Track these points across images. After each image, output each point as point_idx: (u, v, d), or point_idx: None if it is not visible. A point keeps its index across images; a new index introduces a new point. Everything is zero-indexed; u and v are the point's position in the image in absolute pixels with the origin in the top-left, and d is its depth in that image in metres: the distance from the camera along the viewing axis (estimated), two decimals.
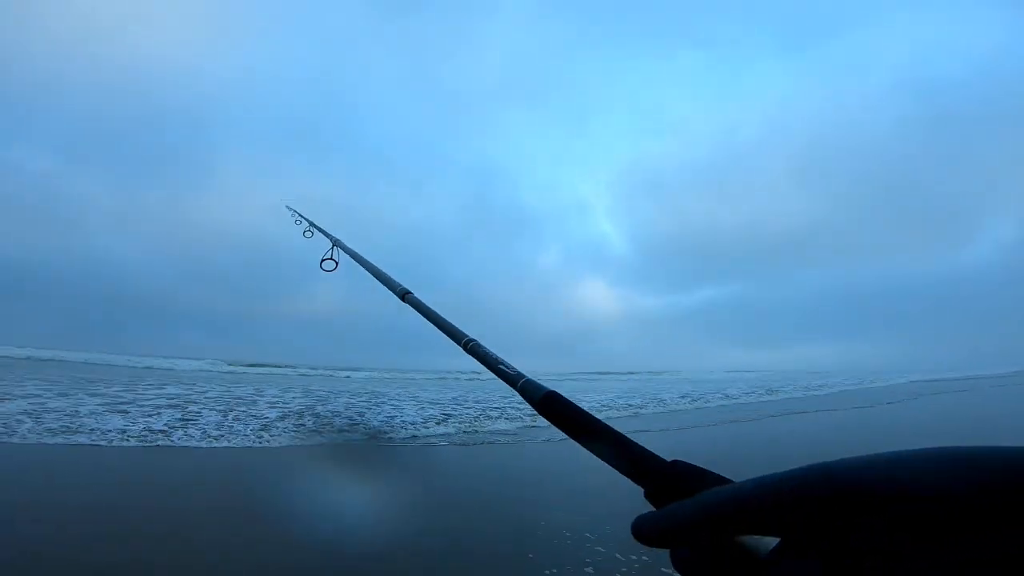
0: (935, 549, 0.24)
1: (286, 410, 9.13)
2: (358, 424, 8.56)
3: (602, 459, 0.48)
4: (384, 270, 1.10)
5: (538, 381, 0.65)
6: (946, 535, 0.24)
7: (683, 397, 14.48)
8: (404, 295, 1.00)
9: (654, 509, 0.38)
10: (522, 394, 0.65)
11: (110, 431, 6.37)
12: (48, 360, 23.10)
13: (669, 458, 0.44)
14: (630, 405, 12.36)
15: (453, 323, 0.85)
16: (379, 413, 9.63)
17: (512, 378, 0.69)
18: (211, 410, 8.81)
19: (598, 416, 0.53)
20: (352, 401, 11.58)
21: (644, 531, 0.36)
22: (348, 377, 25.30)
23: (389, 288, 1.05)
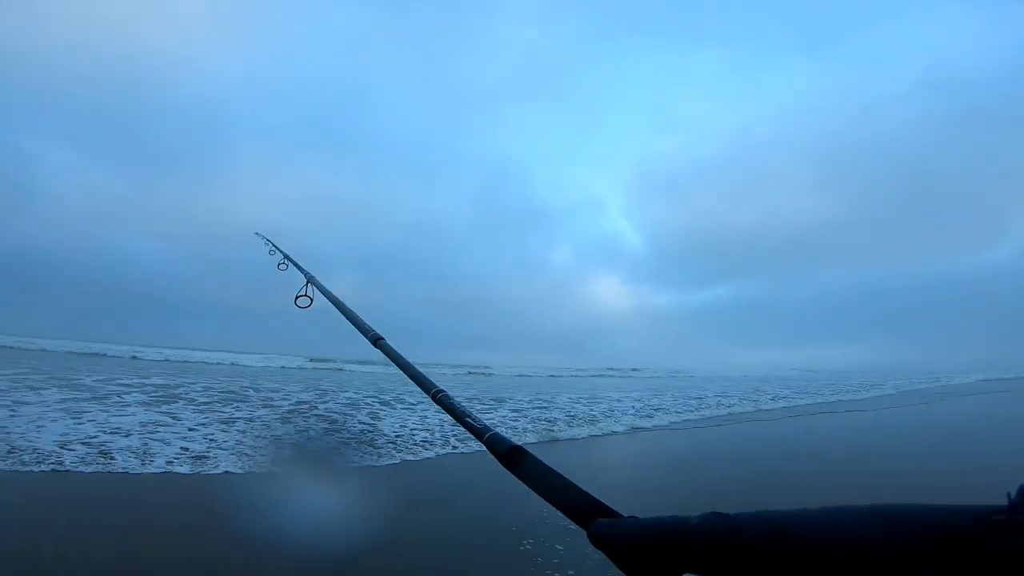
0: None
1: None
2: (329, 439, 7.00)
3: (561, 512, 0.52)
4: (357, 313, 1.13)
5: (503, 435, 0.69)
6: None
7: (768, 396, 14.81)
8: (376, 340, 1.03)
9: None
10: (488, 447, 0.68)
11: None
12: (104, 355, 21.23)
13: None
14: (723, 403, 12.59)
15: (423, 372, 0.88)
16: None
17: (478, 431, 0.71)
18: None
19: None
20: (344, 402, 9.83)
21: (600, 532, 0.44)
22: (341, 370, 23.90)
23: (361, 332, 1.07)
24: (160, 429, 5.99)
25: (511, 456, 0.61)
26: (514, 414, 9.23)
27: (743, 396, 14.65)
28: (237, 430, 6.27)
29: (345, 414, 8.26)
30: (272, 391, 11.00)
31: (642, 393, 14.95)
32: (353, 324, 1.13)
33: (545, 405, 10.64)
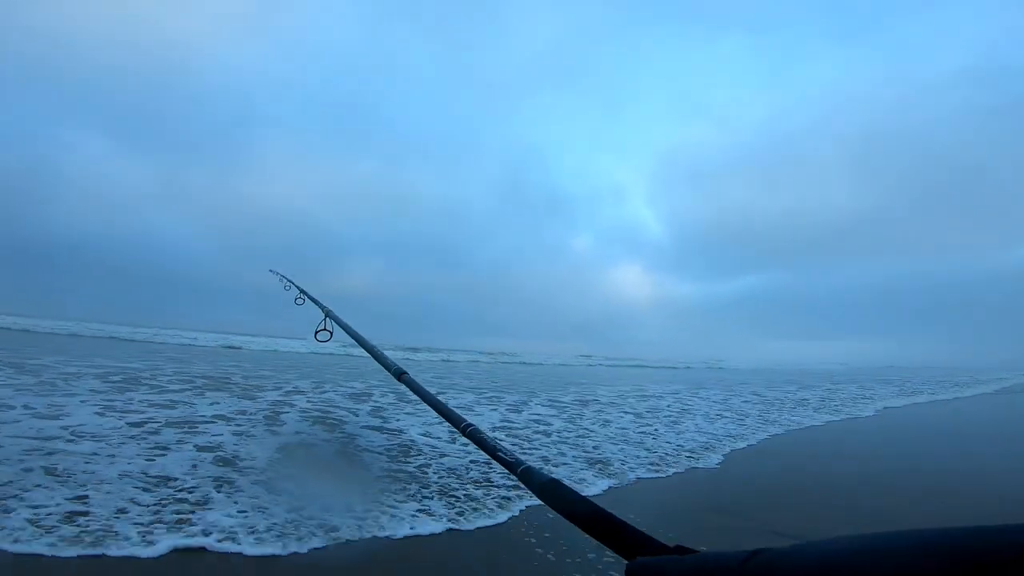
0: None
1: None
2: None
3: (607, 546, 0.51)
4: (377, 347, 1.12)
5: (538, 469, 0.68)
6: None
7: (868, 394, 14.23)
8: (400, 375, 1.02)
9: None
10: (522, 479, 0.68)
11: None
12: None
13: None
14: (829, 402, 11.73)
15: (450, 407, 0.87)
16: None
17: (512, 465, 0.71)
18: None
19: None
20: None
21: (641, 570, 0.43)
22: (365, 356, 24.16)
23: (384, 367, 1.07)
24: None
25: (548, 489, 0.60)
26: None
27: (853, 394, 13.83)
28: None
29: (349, 411, 6.61)
30: (266, 378, 9.89)
31: (721, 394, 12.67)
32: (375, 359, 1.13)
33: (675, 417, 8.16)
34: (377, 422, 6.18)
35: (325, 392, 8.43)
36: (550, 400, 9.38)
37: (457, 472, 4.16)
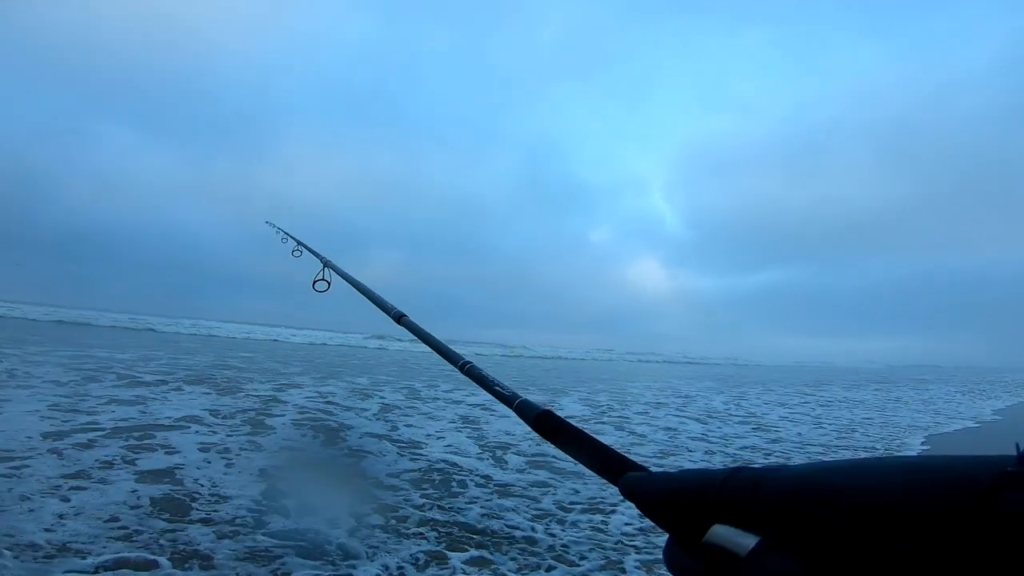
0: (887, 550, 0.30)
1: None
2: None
3: (594, 472, 0.54)
4: (377, 292, 1.13)
5: (532, 401, 0.71)
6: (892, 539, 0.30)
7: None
8: (399, 318, 1.03)
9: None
10: (518, 413, 0.70)
11: None
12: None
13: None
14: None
15: (449, 345, 0.90)
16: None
17: (508, 398, 0.72)
18: None
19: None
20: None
21: (631, 486, 0.45)
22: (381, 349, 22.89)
23: (383, 310, 1.07)
24: None
25: (542, 420, 0.63)
26: None
27: (947, 394, 13.55)
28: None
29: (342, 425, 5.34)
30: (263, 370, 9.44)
31: (775, 396, 12.23)
32: (374, 303, 1.13)
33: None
34: (385, 427, 5.29)
35: (327, 386, 7.88)
36: (644, 407, 8.49)
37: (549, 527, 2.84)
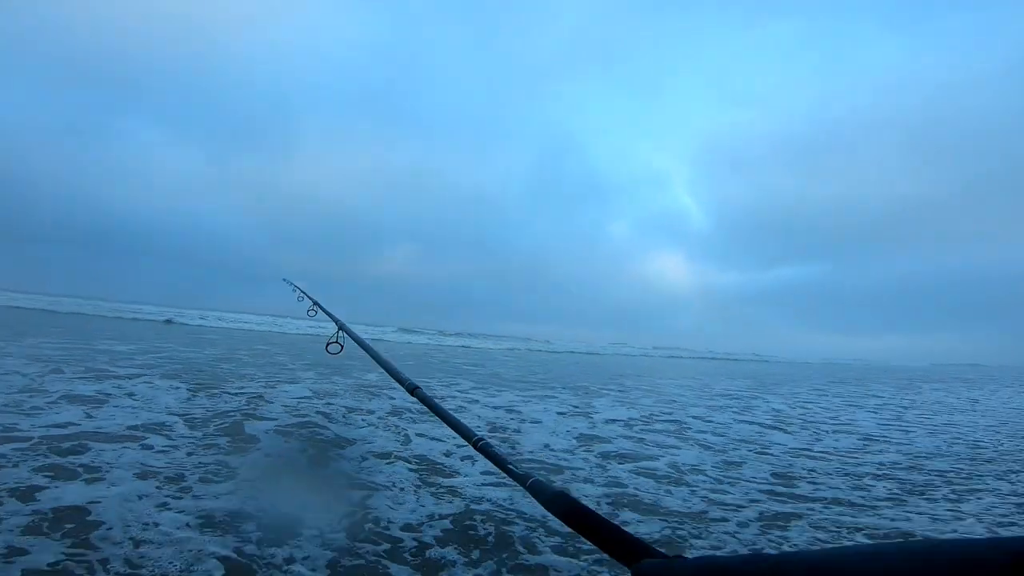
0: None
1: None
2: None
3: (608, 554, 0.54)
4: (391, 361, 1.18)
5: (545, 481, 0.76)
6: None
7: None
8: (413, 390, 1.08)
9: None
10: (531, 492, 0.71)
11: None
12: None
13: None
14: None
15: (462, 421, 0.93)
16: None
17: (521, 478, 0.75)
18: None
19: None
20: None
21: (645, 574, 0.45)
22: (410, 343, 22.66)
23: (398, 381, 1.12)
24: None
25: (556, 501, 0.64)
26: None
27: None
28: None
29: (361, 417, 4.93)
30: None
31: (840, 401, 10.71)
32: (389, 373, 1.18)
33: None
34: (395, 440, 4.31)
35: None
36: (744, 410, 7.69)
37: None
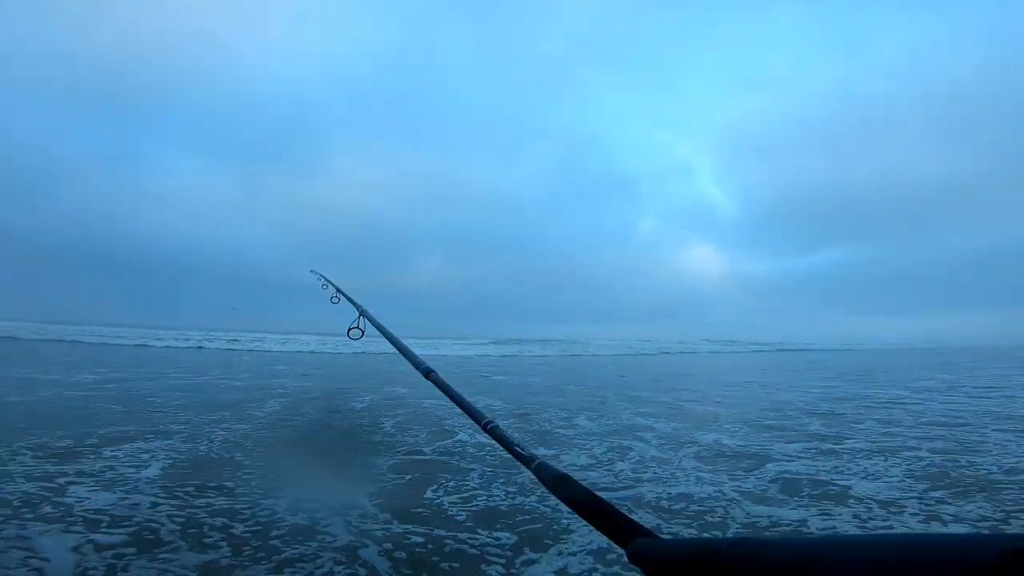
0: None
1: None
2: None
3: (604, 534, 0.56)
4: (407, 345, 1.21)
5: (550, 463, 0.76)
6: None
7: None
8: (428, 373, 1.10)
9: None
10: (536, 474, 0.73)
11: None
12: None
13: None
14: None
15: (474, 405, 0.95)
16: None
17: (527, 460, 0.76)
18: None
19: None
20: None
21: (639, 552, 0.47)
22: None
23: (413, 365, 1.15)
24: None
25: (558, 483, 0.66)
26: None
27: None
28: None
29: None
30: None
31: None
32: (405, 357, 1.21)
33: None
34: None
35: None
36: None
37: None
